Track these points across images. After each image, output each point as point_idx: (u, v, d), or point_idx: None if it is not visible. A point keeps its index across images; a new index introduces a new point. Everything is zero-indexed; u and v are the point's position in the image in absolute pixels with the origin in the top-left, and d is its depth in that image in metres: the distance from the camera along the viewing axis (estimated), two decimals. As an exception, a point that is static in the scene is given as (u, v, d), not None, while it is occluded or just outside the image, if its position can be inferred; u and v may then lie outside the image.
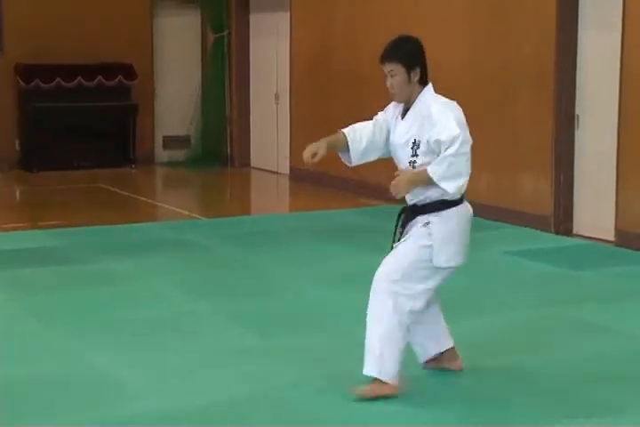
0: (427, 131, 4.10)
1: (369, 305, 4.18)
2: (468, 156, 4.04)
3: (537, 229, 8.18)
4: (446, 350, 4.44)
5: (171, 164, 13.14)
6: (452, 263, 4.16)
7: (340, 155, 4.44)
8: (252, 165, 13.04)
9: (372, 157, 4.42)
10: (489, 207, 8.40)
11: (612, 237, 7.67)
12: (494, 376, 4.47)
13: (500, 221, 8.37)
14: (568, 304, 5.75)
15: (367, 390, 4.14)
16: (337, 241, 7.75)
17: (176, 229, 8.41)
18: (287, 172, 12.08)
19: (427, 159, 4.11)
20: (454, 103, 4.18)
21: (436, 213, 4.14)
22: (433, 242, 4.10)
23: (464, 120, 4.11)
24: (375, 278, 4.18)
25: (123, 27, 12.72)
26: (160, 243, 7.75)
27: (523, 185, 8.48)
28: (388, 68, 4.18)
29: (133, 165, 12.76)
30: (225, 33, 12.89)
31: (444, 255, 4.11)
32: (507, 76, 8.50)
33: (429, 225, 4.13)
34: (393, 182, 4.14)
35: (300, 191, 11.23)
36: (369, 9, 10.30)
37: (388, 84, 4.21)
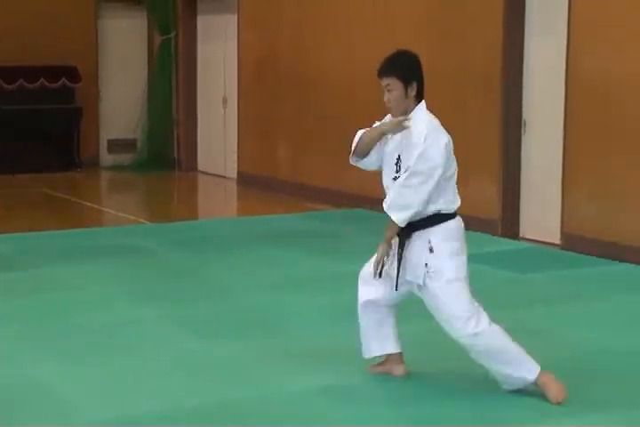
0: (407, 152, 4.12)
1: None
2: (419, 188, 4.05)
3: (485, 232, 8.23)
4: (392, 354, 4.45)
5: (116, 167, 13.00)
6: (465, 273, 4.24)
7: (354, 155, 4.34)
8: (200, 169, 12.96)
9: (373, 168, 4.35)
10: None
11: (557, 241, 7.75)
12: (441, 380, 4.47)
13: (448, 225, 8.40)
14: (515, 307, 5.78)
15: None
16: (284, 246, 7.72)
17: (122, 234, 8.32)
18: (235, 176, 12.02)
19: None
20: (440, 130, 4.19)
21: (433, 233, 4.14)
22: (445, 268, 4.13)
23: (440, 151, 4.11)
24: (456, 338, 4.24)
25: (66, 28, 12.56)
26: (105, 248, 7.64)
27: (470, 190, 8.50)
28: (384, 82, 4.16)
29: (78, 169, 12.60)
30: (172, 35, 12.80)
31: (459, 271, 4.20)
32: (455, 82, 8.55)
33: (433, 253, 4.13)
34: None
35: (247, 196, 11.19)
36: (316, 13, 10.30)
37: (385, 98, 4.19)
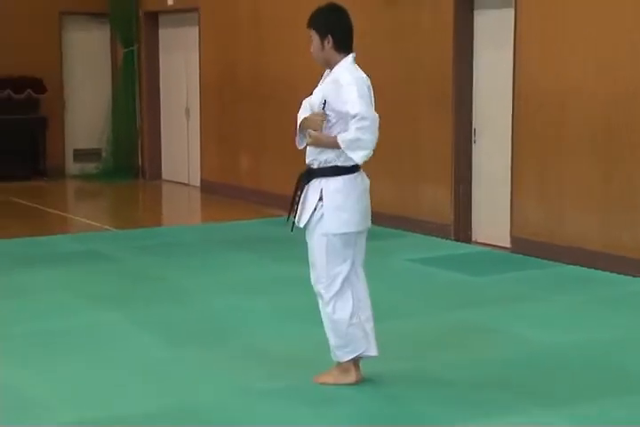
0: (335, 97, 4.24)
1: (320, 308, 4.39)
2: (371, 130, 4.16)
3: (438, 237, 8.38)
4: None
5: (82, 176, 13.00)
6: (345, 229, 4.30)
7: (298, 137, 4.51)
8: (164, 177, 12.99)
9: None
10: (391, 216, 8.58)
11: (507, 244, 7.91)
12: (397, 381, 4.55)
13: (402, 230, 8.54)
14: (467, 309, 5.91)
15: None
16: (246, 251, 7.80)
17: (87, 240, 8.34)
18: (198, 184, 12.07)
19: (337, 124, 4.26)
20: (364, 78, 4.31)
21: (327, 179, 4.27)
22: (324, 211, 4.27)
23: (368, 97, 4.23)
24: (313, 284, 4.41)
25: (32, 41, 12.55)
26: (71, 255, 7.67)
27: (424, 195, 8.68)
28: (309, 33, 4.39)
29: (45, 178, 12.57)
30: (134, 47, 12.82)
31: (335, 223, 4.28)
32: (408, 91, 8.70)
33: (321, 202, 4.27)
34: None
35: (210, 203, 11.24)
36: (274, 26, 10.40)
37: (311, 48, 4.39)
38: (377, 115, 4.23)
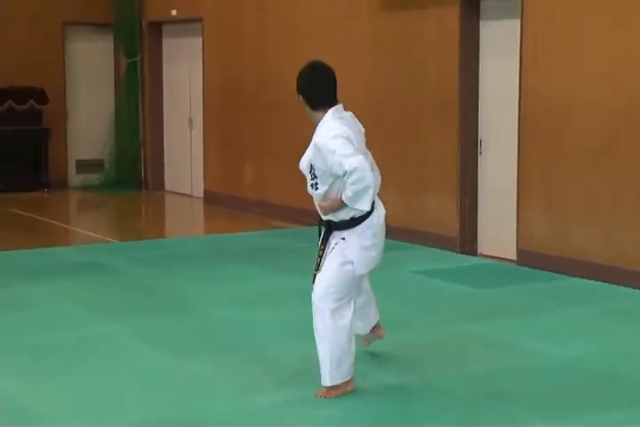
0: (319, 160, 4.43)
1: (314, 321, 4.51)
2: (363, 175, 4.29)
3: (443, 249, 8.41)
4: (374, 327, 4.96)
5: (84, 188, 13.06)
6: (372, 266, 4.58)
7: None
8: (167, 188, 13.05)
9: None
10: (396, 228, 8.58)
11: (513, 257, 7.94)
12: (400, 393, 4.58)
13: (408, 242, 8.57)
14: (472, 321, 5.94)
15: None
16: (249, 263, 7.84)
17: (90, 252, 8.38)
18: (201, 195, 12.13)
19: (326, 181, 4.44)
20: (335, 132, 4.40)
21: (349, 230, 4.48)
22: (351, 256, 4.47)
23: (345, 146, 4.33)
24: (313, 298, 4.51)
25: (34, 51, 12.64)
26: (74, 267, 7.71)
27: (429, 207, 8.71)
28: None
29: (46, 190, 12.64)
30: (138, 58, 12.91)
31: (363, 265, 4.51)
32: (413, 101, 8.75)
33: (344, 240, 4.49)
34: (321, 204, 4.53)
35: (213, 214, 11.29)
36: (278, 36, 10.47)
37: None
38: (360, 156, 4.32)
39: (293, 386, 4.63)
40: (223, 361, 5.10)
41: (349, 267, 4.47)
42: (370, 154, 4.61)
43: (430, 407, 4.39)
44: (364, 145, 4.60)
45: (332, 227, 4.53)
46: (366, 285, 4.85)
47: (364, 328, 4.94)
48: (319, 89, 4.53)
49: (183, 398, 4.51)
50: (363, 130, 4.66)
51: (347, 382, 4.48)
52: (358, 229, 4.47)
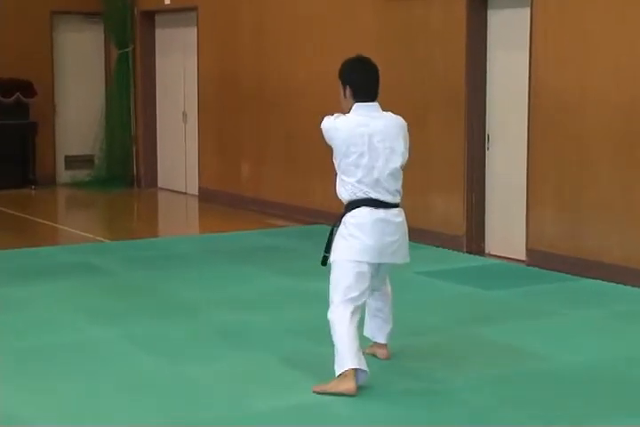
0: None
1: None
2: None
3: (449, 249, 8.42)
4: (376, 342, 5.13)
5: (74, 185, 13.07)
6: (355, 257, 4.66)
7: None
8: (160, 185, 13.06)
9: None
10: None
11: (522, 257, 7.96)
12: (408, 397, 4.60)
13: (413, 242, 8.53)
14: (479, 324, 5.96)
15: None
16: (244, 263, 7.86)
17: (80, 252, 8.39)
18: (196, 192, 12.14)
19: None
20: (329, 123, 4.77)
21: (344, 216, 4.73)
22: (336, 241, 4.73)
23: (330, 134, 4.75)
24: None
25: (20, 41, 12.65)
26: (63, 267, 7.72)
27: (435, 205, 8.73)
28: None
29: (33, 187, 12.66)
30: (129, 48, 12.92)
31: (338, 251, 4.70)
32: (418, 94, 8.77)
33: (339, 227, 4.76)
34: None
35: (209, 212, 11.30)
36: (277, 26, 10.48)
37: None
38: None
39: (293, 391, 4.65)
40: (221, 365, 5.11)
41: (334, 256, 4.70)
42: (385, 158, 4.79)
43: (436, 412, 4.40)
44: (382, 147, 4.77)
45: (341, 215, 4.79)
46: (386, 292, 5.06)
47: (372, 334, 5.11)
48: (366, 81, 4.84)
49: (180, 402, 4.53)
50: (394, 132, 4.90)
51: (338, 378, 4.54)
52: (347, 215, 4.70)
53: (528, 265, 7.82)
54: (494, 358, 5.29)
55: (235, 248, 8.61)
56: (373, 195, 4.69)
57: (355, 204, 4.69)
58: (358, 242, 4.65)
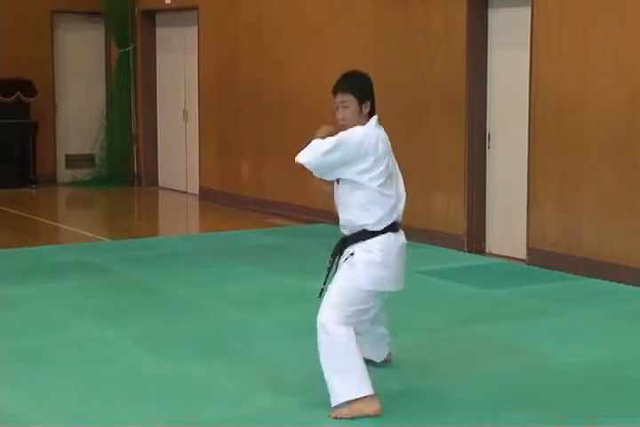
0: None
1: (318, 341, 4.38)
2: (322, 149, 4.41)
3: (450, 248, 8.42)
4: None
5: (74, 184, 13.08)
6: (381, 288, 4.42)
7: None
8: (160, 184, 13.06)
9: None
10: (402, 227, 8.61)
11: (523, 256, 7.95)
12: (406, 398, 4.60)
13: (413, 241, 8.53)
14: (480, 323, 5.95)
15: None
16: (245, 262, 7.86)
17: (80, 251, 8.39)
18: (196, 191, 12.14)
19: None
20: (366, 130, 4.42)
21: (360, 244, 4.41)
22: (357, 270, 4.38)
23: (347, 142, 4.35)
24: (319, 315, 4.38)
25: (21, 41, 12.66)
26: (63, 266, 7.72)
27: (435, 204, 8.72)
28: (340, 98, 4.47)
29: (34, 186, 12.66)
30: (130, 48, 12.91)
31: (366, 278, 4.37)
32: (418, 93, 8.76)
33: (353, 255, 4.41)
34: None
35: (209, 211, 11.30)
36: (277, 26, 10.48)
37: (340, 115, 4.48)
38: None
39: (294, 391, 4.64)
40: (221, 365, 5.11)
41: (354, 283, 4.36)
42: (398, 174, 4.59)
43: (437, 412, 4.39)
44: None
45: (346, 242, 4.48)
46: (384, 319, 4.84)
47: (377, 357, 4.93)
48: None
49: (180, 402, 4.52)
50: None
51: (362, 401, 4.31)
52: (369, 242, 4.39)
53: (529, 264, 7.81)
54: (494, 357, 5.28)
55: (235, 247, 8.61)
56: (395, 216, 4.47)
57: (379, 231, 4.41)
58: (387, 272, 4.39)
